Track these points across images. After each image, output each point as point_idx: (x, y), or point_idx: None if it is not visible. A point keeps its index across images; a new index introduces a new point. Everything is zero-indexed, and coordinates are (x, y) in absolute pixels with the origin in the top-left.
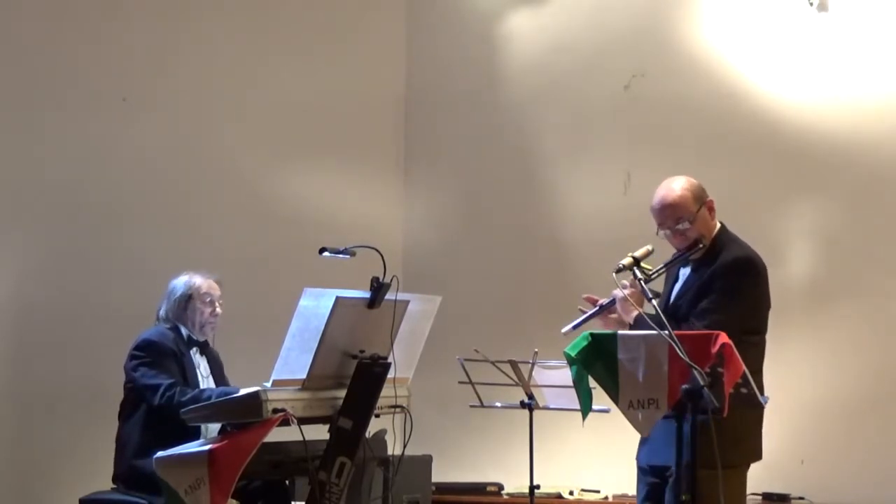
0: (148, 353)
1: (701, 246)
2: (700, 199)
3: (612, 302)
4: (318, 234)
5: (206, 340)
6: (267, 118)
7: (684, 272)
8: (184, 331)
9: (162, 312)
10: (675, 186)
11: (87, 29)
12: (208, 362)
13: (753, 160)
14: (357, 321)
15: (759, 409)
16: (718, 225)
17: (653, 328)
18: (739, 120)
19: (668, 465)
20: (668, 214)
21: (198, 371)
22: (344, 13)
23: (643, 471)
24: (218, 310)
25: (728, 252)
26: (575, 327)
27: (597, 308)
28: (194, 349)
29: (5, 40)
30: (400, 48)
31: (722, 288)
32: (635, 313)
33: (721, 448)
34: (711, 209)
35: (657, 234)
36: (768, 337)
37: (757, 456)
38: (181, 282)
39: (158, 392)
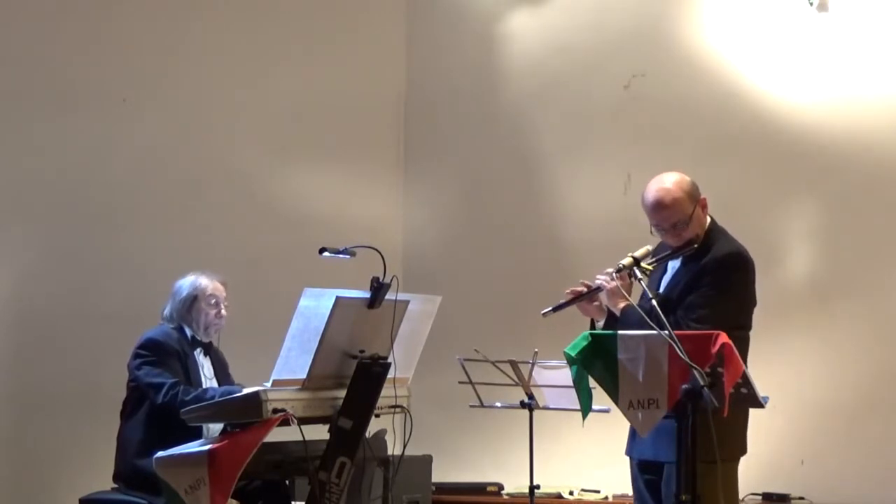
0: (152, 352)
1: (695, 246)
2: (695, 198)
3: (595, 291)
4: (318, 234)
5: (210, 341)
6: (267, 118)
7: (673, 265)
8: (188, 331)
9: (166, 312)
10: (671, 187)
11: (87, 29)
12: (212, 363)
13: (753, 160)
14: (357, 321)
15: (758, 408)
16: (708, 220)
17: (642, 318)
18: (739, 120)
19: (656, 460)
20: (665, 217)
21: (201, 371)
22: (344, 13)
23: (638, 466)
24: (223, 311)
25: (718, 247)
26: (555, 310)
27: (578, 293)
28: (198, 350)
29: (5, 40)
30: (400, 48)
31: (711, 283)
32: (624, 304)
33: (708, 444)
34: (704, 207)
35: (651, 232)
36: (768, 336)
37: (743, 451)
38: (186, 282)
39: (162, 391)
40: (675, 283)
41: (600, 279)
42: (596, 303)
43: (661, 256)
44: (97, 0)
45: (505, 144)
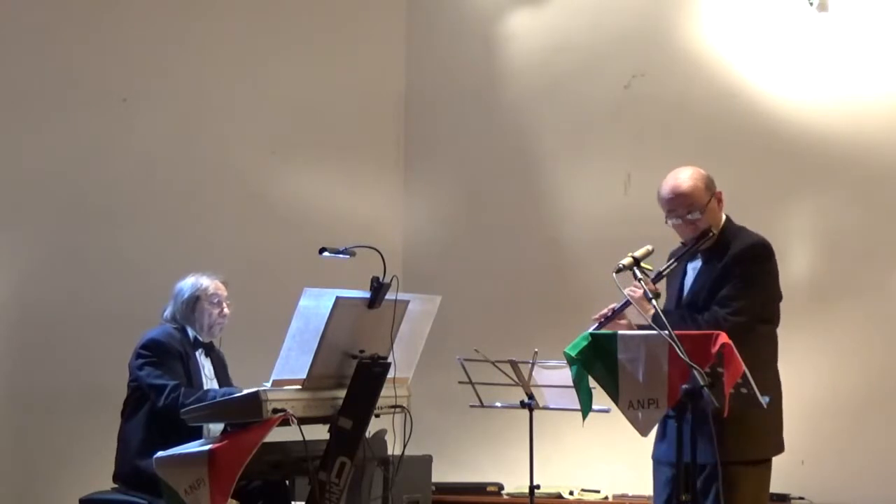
0: (154, 353)
1: (711, 235)
2: (710, 189)
3: (625, 305)
4: (318, 235)
5: (211, 342)
6: (267, 118)
7: (693, 266)
8: (190, 332)
9: (168, 314)
10: (688, 176)
11: (87, 29)
12: (213, 364)
13: (754, 160)
14: (357, 321)
15: (760, 408)
16: (724, 217)
17: (667, 325)
18: (739, 120)
19: (701, 462)
20: (680, 203)
21: (202, 373)
22: (344, 13)
23: (664, 465)
24: (226, 310)
25: (741, 239)
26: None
27: (609, 313)
28: (199, 350)
29: (5, 40)
30: (400, 48)
31: (742, 274)
32: (653, 311)
33: (753, 442)
34: (720, 201)
35: (666, 222)
36: None
37: (781, 448)
38: (188, 283)
39: (164, 393)
40: (702, 282)
41: (626, 292)
42: (623, 321)
43: (680, 255)
44: (97, 0)
45: (505, 144)
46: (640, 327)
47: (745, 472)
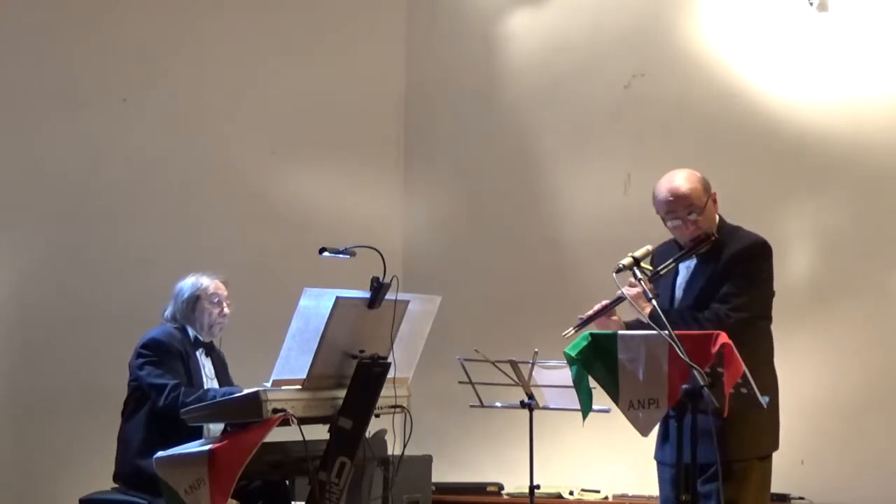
0: (154, 352)
1: (713, 238)
2: (708, 190)
3: (616, 302)
4: (318, 235)
5: (211, 342)
6: (267, 118)
7: (687, 265)
8: (191, 332)
9: (168, 314)
10: (685, 178)
11: (87, 29)
12: (213, 363)
13: (754, 160)
14: (357, 321)
15: (759, 408)
16: (718, 218)
17: (666, 323)
18: (739, 120)
19: (706, 462)
20: (681, 204)
21: (203, 372)
22: (344, 13)
23: (668, 467)
24: (226, 310)
25: (740, 238)
26: (577, 329)
27: (600, 308)
28: (200, 350)
29: (5, 40)
30: (400, 48)
31: (743, 272)
32: (650, 308)
33: (756, 439)
34: (715, 202)
35: (666, 224)
36: None
37: (777, 445)
38: (188, 283)
39: (164, 393)
40: (702, 280)
41: (621, 291)
42: (614, 317)
43: (678, 256)
44: (97, 0)
45: (505, 144)
46: (629, 325)
47: (751, 467)
